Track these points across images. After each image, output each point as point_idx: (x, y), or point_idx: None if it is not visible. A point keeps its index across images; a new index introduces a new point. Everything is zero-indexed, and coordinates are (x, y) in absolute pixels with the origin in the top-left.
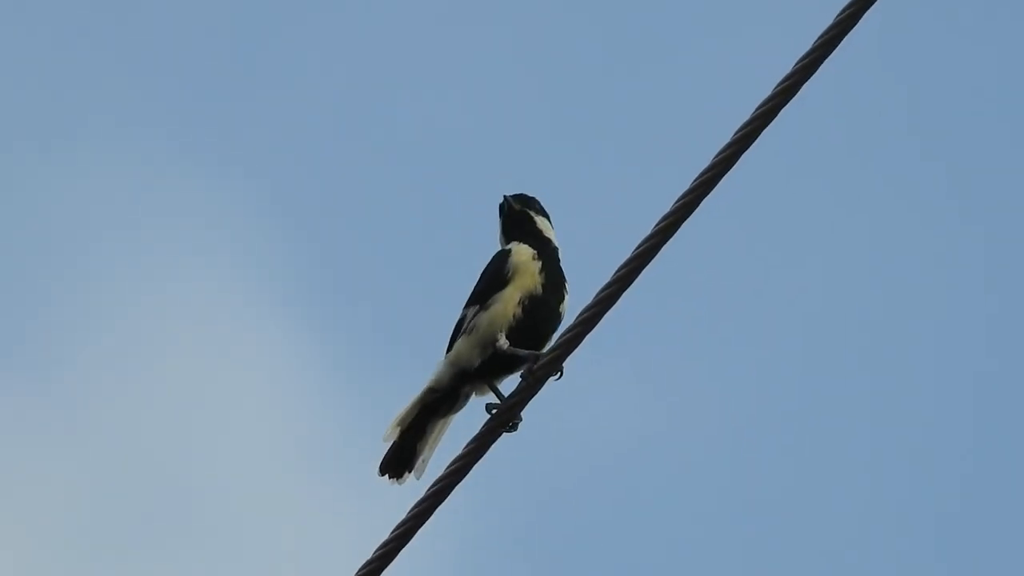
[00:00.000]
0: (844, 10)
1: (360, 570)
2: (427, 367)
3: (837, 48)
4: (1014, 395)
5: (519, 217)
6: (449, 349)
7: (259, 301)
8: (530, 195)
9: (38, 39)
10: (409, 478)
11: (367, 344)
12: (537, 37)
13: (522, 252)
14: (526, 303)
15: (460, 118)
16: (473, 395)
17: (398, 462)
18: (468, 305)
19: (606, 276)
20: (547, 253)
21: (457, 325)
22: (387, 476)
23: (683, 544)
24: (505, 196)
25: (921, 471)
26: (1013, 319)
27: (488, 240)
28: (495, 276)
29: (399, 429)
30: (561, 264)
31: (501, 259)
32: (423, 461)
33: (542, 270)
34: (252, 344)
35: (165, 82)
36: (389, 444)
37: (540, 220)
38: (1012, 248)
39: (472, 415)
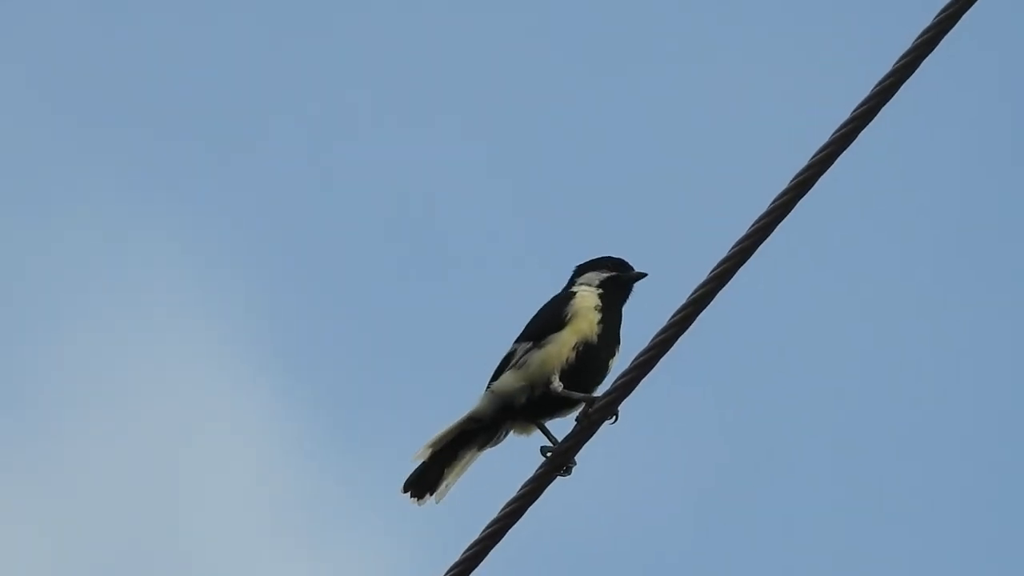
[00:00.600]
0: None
1: None
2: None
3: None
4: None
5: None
6: (494, 380)
7: (234, 365)
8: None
9: None
10: (429, 501)
11: (342, 409)
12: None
13: (586, 297)
14: (580, 349)
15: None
16: (513, 432)
17: (422, 483)
18: (520, 340)
19: (662, 321)
20: (610, 306)
21: (506, 358)
22: (409, 495)
23: None
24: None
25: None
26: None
27: (467, 301)
28: (553, 316)
29: (431, 451)
30: (621, 327)
31: (563, 300)
32: (447, 486)
33: (601, 321)
34: (227, 409)
35: (141, 144)
36: (418, 464)
37: (603, 273)
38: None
39: (519, 456)
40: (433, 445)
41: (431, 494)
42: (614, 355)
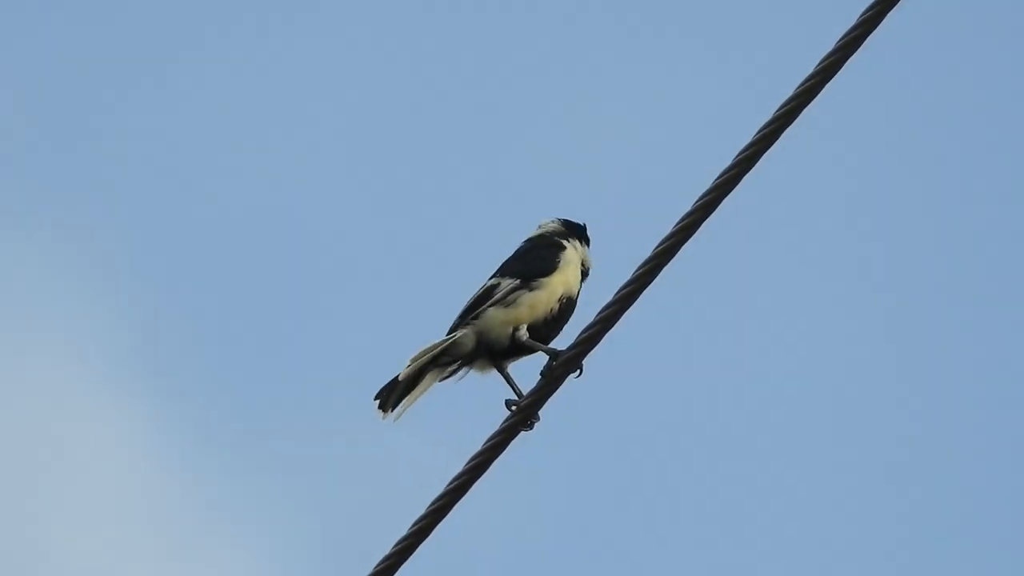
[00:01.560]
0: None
1: (379, 563)
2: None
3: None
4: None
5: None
6: (468, 313)
7: (97, 369)
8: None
9: None
10: (389, 417)
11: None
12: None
13: (574, 252)
14: (563, 301)
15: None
16: (472, 370)
17: (389, 396)
18: (504, 275)
19: (626, 275)
20: (584, 268)
21: (487, 291)
22: (378, 405)
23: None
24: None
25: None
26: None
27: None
28: (545, 260)
29: (415, 367)
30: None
31: (556, 247)
32: (404, 407)
33: (581, 279)
34: (88, 413)
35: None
36: (404, 378)
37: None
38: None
39: (483, 410)
40: (416, 360)
41: (391, 410)
42: (572, 312)
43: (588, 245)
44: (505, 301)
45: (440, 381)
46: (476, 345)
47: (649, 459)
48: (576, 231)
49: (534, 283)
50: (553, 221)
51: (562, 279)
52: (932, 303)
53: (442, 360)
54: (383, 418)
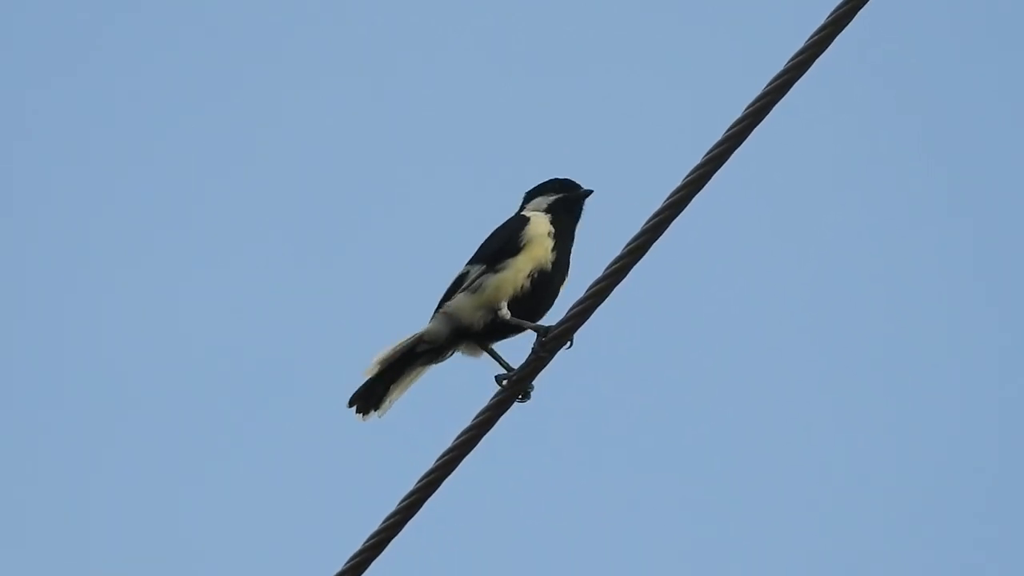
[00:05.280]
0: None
1: (369, 539)
2: None
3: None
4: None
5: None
6: (442, 304)
7: None
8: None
9: None
10: (373, 416)
11: None
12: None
13: (539, 224)
14: (535, 276)
15: None
16: (460, 352)
17: (368, 398)
18: (473, 262)
19: (616, 250)
20: (561, 231)
21: (458, 279)
22: (356, 410)
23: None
24: (581, 188)
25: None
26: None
27: None
28: (508, 240)
29: (379, 367)
30: (572, 251)
31: (517, 224)
32: (390, 402)
33: (555, 247)
34: None
35: None
36: (366, 378)
37: (551, 196)
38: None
39: (476, 387)
40: (382, 362)
41: (376, 410)
42: (565, 280)
43: (571, 191)
44: (472, 287)
45: (424, 365)
46: (451, 332)
47: (640, 435)
48: (549, 190)
49: (499, 265)
50: (530, 192)
51: (528, 256)
52: (931, 296)
53: (423, 350)
54: (364, 420)
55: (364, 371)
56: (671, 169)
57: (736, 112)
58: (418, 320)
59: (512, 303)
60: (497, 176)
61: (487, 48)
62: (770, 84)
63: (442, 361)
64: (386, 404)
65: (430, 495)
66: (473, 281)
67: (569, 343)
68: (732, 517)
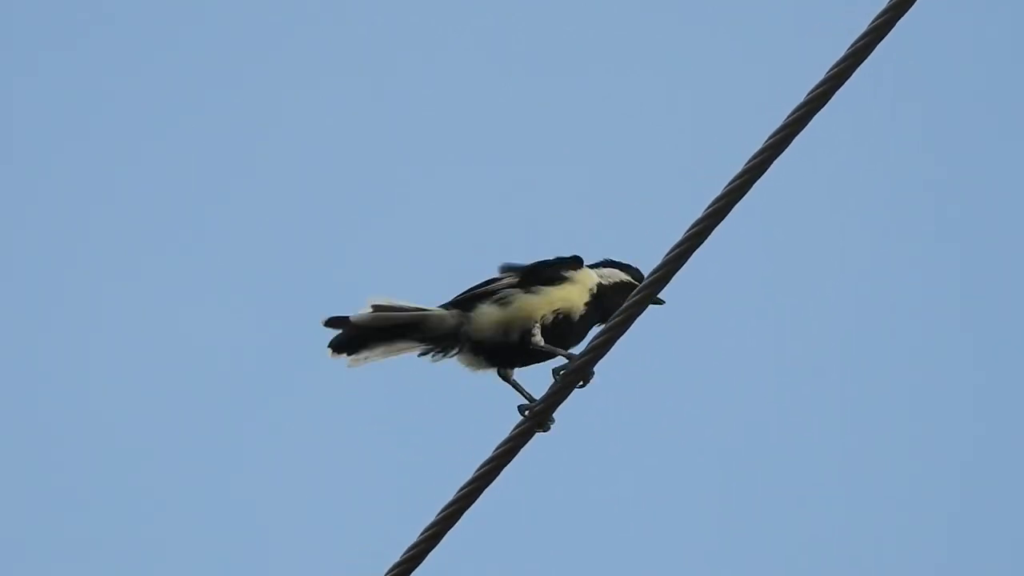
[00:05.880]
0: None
1: (390, 571)
2: None
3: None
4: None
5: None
6: (463, 295)
7: None
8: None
9: None
10: (342, 359)
11: None
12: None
13: (588, 275)
14: (559, 317)
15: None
16: (458, 359)
17: (346, 338)
18: (508, 270)
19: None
20: (602, 296)
21: (486, 282)
22: (329, 344)
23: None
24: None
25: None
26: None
27: None
28: (552, 269)
29: (373, 317)
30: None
31: (570, 263)
32: (367, 358)
33: (588, 303)
34: None
35: None
36: (357, 322)
37: (624, 275)
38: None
39: (501, 416)
40: (376, 312)
41: (347, 355)
42: (577, 344)
43: (634, 281)
44: (499, 297)
45: (418, 356)
46: (457, 331)
47: (660, 465)
48: (627, 271)
49: (532, 287)
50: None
51: (563, 294)
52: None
53: (418, 335)
54: (332, 357)
55: (356, 316)
56: (691, 203)
57: (761, 129)
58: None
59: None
60: (497, 179)
61: (487, 48)
62: (790, 116)
63: (436, 360)
64: (361, 357)
65: (451, 526)
66: (502, 289)
67: (583, 383)
68: (749, 551)
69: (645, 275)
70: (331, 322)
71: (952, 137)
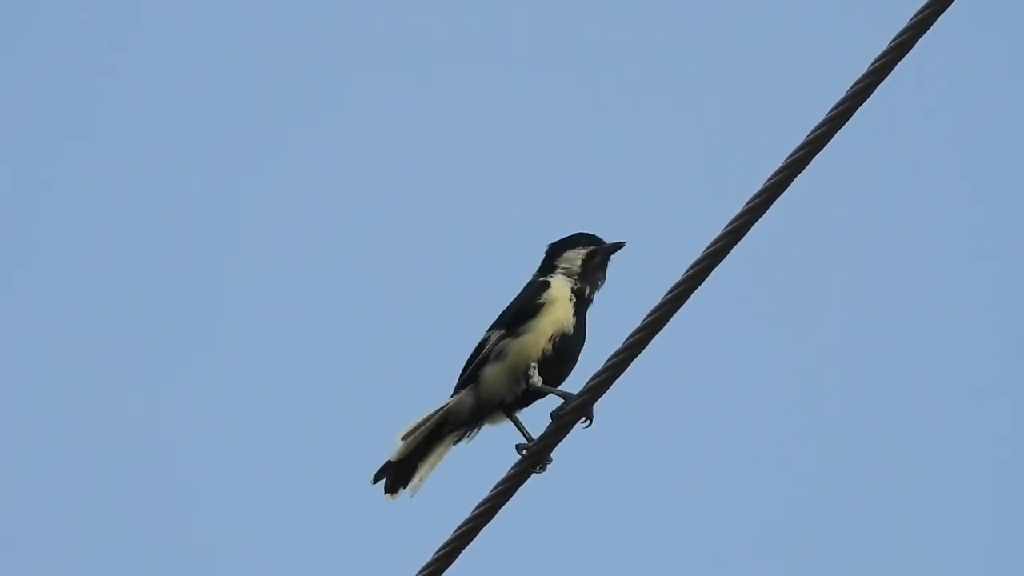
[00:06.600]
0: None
1: None
2: None
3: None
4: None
5: (561, 251)
6: (466, 372)
7: None
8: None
9: None
10: (403, 494)
11: None
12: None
13: (561, 287)
14: (556, 340)
15: None
16: (487, 425)
17: (394, 476)
18: (493, 327)
19: (636, 321)
20: (582, 294)
21: (479, 346)
22: (384, 489)
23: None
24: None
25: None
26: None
27: None
28: (528, 303)
29: (405, 448)
30: (591, 305)
31: (537, 288)
32: (420, 479)
33: (575, 312)
34: None
35: None
36: (398, 459)
37: (579, 252)
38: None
39: (495, 454)
40: (407, 440)
41: (404, 487)
42: (583, 345)
43: (588, 247)
44: (496, 354)
45: (455, 444)
46: (477, 405)
47: (660, 505)
48: (580, 244)
49: (520, 328)
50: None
51: (550, 319)
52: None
53: (447, 428)
54: (393, 499)
55: (393, 455)
56: (691, 241)
57: (773, 161)
58: (434, 359)
59: (539, 369)
60: (498, 185)
61: (488, 50)
62: (812, 132)
63: (470, 440)
64: (416, 482)
65: (448, 566)
66: (495, 347)
67: (588, 422)
68: None
69: (600, 239)
70: (378, 476)
71: (975, 148)
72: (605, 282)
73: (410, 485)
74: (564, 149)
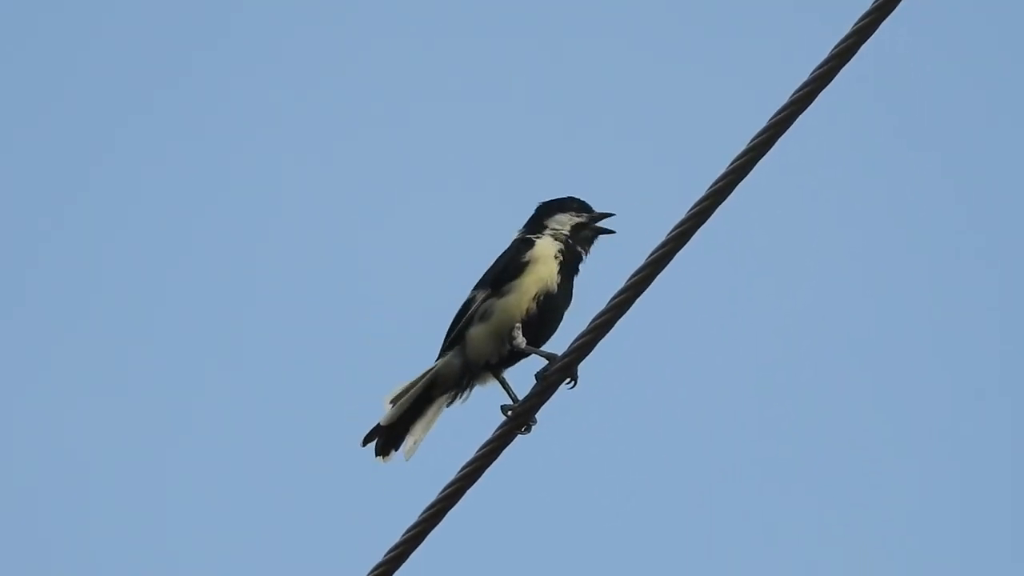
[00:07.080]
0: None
1: (372, 571)
2: None
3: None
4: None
5: (549, 211)
6: (451, 333)
7: None
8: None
9: None
10: (395, 457)
11: None
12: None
13: (546, 245)
14: (541, 299)
15: None
16: (477, 386)
17: (386, 439)
18: (478, 287)
19: (619, 282)
20: (570, 255)
21: (464, 305)
22: (375, 452)
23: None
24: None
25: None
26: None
27: None
28: (512, 262)
29: (395, 412)
30: (576, 276)
31: (522, 246)
32: (415, 443)
33: (560, 270)
34: None
35: None
36: (388, 423)
37: (569, 219)
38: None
39: (482, 415)
40: (396, 403)
41: (395, 450)
42: (568, 306)
43: (581, 213)
44: (480, 314)
45: (448, 406)
46: (464, 366)
47: (645, 465)
48: (571, 209)
49: (504, 288)
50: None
51: (534, 278)
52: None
53: (437, 391)
54: (384, 462)
55: (384, 419)
56: (676, 202)
57: (755, 124)
58: (424, 337)
59: (524, 328)
60: (498, 185)
61: (489, 51)
62: (793, 95)
63: (464, 402)
64: (410, 446)
65: (434, 526)
66: (479, 306)
67: (573, 382)
68: (735, 556)
69: (591, 206)
70: (368, 439)
71: (945, 136)
72: (588, 256)
73: (403, 449)
74: (565, 149)
